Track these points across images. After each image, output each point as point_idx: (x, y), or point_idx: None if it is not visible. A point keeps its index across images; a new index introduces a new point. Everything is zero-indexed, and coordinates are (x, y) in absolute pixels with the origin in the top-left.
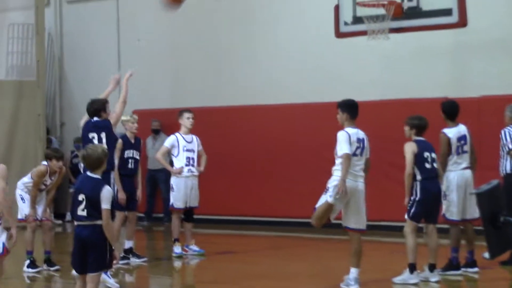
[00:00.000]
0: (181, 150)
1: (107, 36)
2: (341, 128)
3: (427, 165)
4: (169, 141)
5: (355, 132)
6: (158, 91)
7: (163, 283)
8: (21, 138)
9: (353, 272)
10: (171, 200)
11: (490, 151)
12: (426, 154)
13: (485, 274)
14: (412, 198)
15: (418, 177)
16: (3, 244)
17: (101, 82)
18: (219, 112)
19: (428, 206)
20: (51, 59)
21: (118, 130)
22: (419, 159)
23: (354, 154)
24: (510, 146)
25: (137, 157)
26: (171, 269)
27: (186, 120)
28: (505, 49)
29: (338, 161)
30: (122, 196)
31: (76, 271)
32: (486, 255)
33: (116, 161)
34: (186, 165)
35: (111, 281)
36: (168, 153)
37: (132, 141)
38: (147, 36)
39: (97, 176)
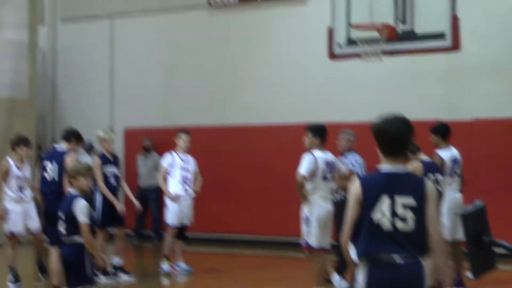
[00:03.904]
0: (177, 168)
1: (101, 54)
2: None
3: None
4: (167, 160)
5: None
6: (151, 109)
7: None
8: None
9: None
10: (166, 219)
11: (482, 173)
12: (429, 175)
13: None
14: None
15: None
16: None
17: (94, 100)
18: (211, 132)
19: None
20: (44, 76)
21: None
22: None
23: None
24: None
25: (118, 174)
26: (159, 286)
27: (181, 142)
28: (497, 72)
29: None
30: (120, 207)
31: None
32: (470, 275)
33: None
34: (182, 183)
35: None
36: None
37: (110, 158)
38: (141, 55)
39: (73, 191)
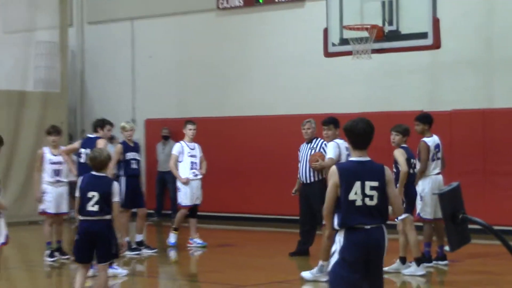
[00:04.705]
0: (186, 155)
1: (123, 53)
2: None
3: (410, 171)
4: (176, 148)
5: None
6: (168, 102)
7: (170, 271)
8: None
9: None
10: (179, 200)
11: (460, 159)
12: (412, 160)
13: (454, 266)
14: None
15: None
16: (6, 235)
17: (117, 93)
18: (221, 122)
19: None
20: (73, 73)
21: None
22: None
23: None
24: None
25: (138, 158)
26: (177, 259)
27: (188, 131)
28: (474, 68)
29: None
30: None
31: (82, 262)
32: (447, 248)
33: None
34: (191, 168)
35: (119, 271)
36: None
37: (131, 144)
38: (158, 53)
39: (103, 174)
